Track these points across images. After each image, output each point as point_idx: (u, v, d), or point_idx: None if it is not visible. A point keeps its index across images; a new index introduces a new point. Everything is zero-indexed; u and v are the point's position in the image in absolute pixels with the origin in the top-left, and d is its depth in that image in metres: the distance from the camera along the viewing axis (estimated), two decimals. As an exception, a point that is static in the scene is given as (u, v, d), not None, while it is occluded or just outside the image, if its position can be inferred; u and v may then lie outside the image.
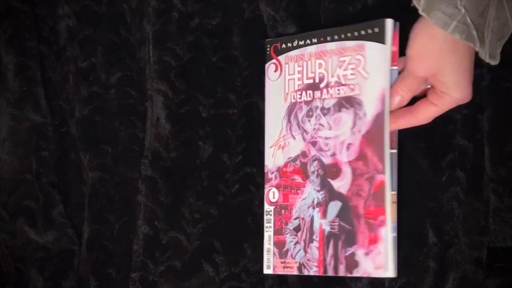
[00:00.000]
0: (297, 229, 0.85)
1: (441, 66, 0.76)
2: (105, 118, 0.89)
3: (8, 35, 0.91)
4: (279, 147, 0.87)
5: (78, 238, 0.90)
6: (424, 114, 0.81)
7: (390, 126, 0.83)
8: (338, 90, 0.84)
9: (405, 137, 0.87)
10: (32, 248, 0.90)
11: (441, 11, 0.73)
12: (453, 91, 0.77)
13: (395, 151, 0.83)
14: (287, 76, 0.87)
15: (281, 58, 0.87)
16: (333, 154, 0.84)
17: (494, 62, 0.77)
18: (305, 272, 0.85)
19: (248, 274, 0.89)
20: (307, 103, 0.86)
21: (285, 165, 0.87)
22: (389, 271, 0.82)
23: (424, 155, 0.86)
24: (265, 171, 0.87)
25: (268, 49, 0.88)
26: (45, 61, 0.88)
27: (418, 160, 0.87)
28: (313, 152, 0.85)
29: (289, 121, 0.87)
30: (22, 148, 0.91)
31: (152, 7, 0.89)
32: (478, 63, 0.88)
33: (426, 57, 0.77)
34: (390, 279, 0.87)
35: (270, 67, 0.88)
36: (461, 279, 0.88)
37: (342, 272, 0.83)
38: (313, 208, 0.85)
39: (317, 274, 0.84)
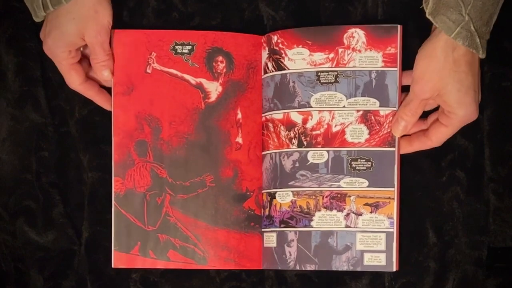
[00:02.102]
0: None
1: (444, 86, 0.78)
2: (105, 118, 0.88)
3: (8, 35, 0.91)
4: None
5: (78, 238, 0.90)
6: (437, 136, 0.82)
7: (406, 149, 0.84)
8: None
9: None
10: (32, 248, 0.90)
11: (446, 16, 0.75)
12: (458, 109, 0.79)
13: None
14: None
15: None
16: None
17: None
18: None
19: (248, 274, 0.89)
20: None
21: None
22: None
23: (424, 155, 0.86)
24: None
25: None
26: (45, 61, 0.88)
27: (418, 160, 0.87)
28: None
29: None
30: (22, 148, 0.90)
31: (152, 7, 0.89)
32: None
33: (429, 77, 0.78)
34: (390, 279, 0.87)
35: None
36: (461, 279, 0.88)
37: None
38: None
39: None
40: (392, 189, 0.84)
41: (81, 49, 0.86)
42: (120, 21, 0.88)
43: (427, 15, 0.77)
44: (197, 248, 0.86)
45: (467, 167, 0.88)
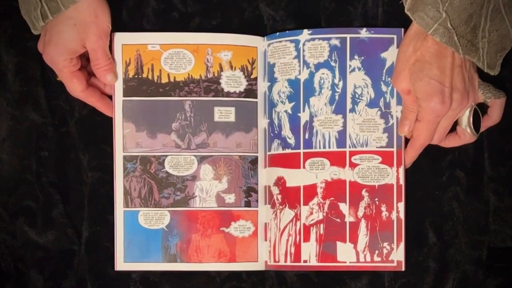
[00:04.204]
0: None
1: (410, 75, 0.79)
2: (105, 118, 0.88)
3: (8, 35, 0.91)
4: None
5: (78, 238, 0.90)
6: (417, 134, 0.83)
7: (407, 161, 0.86)
8: None
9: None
10: (32, 248, 0.90)
11: (424, 12, 0.76)
12: (422, 101, 0.80)
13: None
14: None
15: None
16: None
17: (492, 73, 0.80)
18: None
19: (248, 274, 0.89)
20: None
21: None
22: None
23: (424, 155, 0.86)
24: None
25: None
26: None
27: (418, 160, 0.87)
28: None
29: None
30: (22, 148, 0.90)
31: (152, 7, 0.89)
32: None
33: (399, 68, 0.80)
34: (390, 279, 0.87)
35: None
36: (461, 279, 0.88)
37: None
38: None
39: None
40: None
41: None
42: (119, 21, 0.88)
43: (405, 11, 0.77)
44: None
45: (467, 167, 0.88)
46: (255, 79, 0.88)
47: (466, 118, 0.83)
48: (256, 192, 0.88)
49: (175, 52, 0.87)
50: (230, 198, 0.88)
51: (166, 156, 0.88)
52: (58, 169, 0.90)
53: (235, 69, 0.87)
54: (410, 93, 0.80)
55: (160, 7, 0.89)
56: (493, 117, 0.85)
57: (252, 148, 0.88)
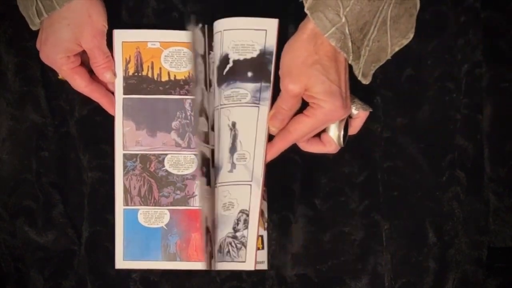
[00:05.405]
0: None
1: (309, 78, 0.77)
2: (105, 118, 0.88)
3: (8, 35, 0.91)
4: None
5: (78, 238, 0.90)
6: (297, 127, 0.80)
7: (270, 152, 0.82)
8: None
9: (405, 137, 0.87)
10: (32, 248, 0.90)
11: (324, 14, 0.75)
12: (323, 102, 0.78)
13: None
14: None
15: None
16: None
17: (365, 82, 0.79)
18: None
19: (248, 274, 0.89)
20: None
21: None
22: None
23: (424, 155, 0.86)
24: None
25: None
26: (45, 61, 0.88)
27: (418, 160, 0.87)
28: None
29: None
30: (22, 148, 0.90)
31: (152, 7, 0.89)
32: (477, 63, 0.88)
33: (295, 72, 0.77)
34: (390, 279, 0.87)
35: None
36: (461, 279, 0.88)
37: None
38: None
39: None
40: None
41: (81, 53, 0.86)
42: (119, 21, 0.88)
43: (305, 10, 0.76)
44: None
45: (467, 167, 0.88)
46: None
47: (336, 127, 0.82)
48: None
49: (175, 50, 0.87)
50: None
51: (166, 154, 0.88)
52: (58, 169, 0.91)
53: None
54: (299, 95, 0.78)
55: (160, 7, 0.89)
56: (355, 128, 0.84)
57: None
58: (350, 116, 0.83)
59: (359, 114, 0.83)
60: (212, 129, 0.85)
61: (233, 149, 0.82)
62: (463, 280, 0.88)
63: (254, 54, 0.82)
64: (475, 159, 0.88)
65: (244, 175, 0.82)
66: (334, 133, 0.82)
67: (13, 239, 0.91)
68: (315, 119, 0.79)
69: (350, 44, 0.75)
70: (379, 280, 0.88)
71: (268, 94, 0.82)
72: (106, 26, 0.84)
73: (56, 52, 0.83)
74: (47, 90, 0.90)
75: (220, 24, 0.83)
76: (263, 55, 0.82)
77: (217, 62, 0.83)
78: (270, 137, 0.82)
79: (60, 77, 0.86)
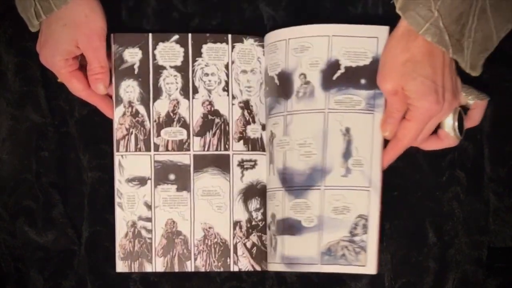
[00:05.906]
0: None
1: (401, 76, 0.77)
2: (105, 118, 0.88)
3: (8, 35, 0.91)
4: None
5: (78, 238, 0.90)
6: (404, 133, 0.81)
7: (385, 160, 0.83)
8: None
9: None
10: (32, 248, 0.90)
11: (416, 12, 0.75)
12: (416, 100, 0.78)
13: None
14: None
15: None
16: None
17: (474, 74, 0.79)
18: None
19: (248, 274, 0.89)
20: None
21: None
22: None
23: (424, 155, 0.86)
24: None
25: None
26: (45, 61, 0.88)
27: (418, 160, 0.87)
28: None
29: None
30: (22, 148, 0.90)
31: (152, 7, 0.89)
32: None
33: (387, 69, 0.78)
34: (390, 279, 0.87)
35: None
36: (461, 279, 0.88)
37: None
38: None
39: None
40: None
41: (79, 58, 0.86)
42: (119, 21, 0.88)
43: (396, 10, 0.76)
44: None
45: (467, 167, 0.88)
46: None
47: (450, 120, 0.82)
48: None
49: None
50: None
51: None
52: (58, 169, 0.91)
53: None
54: (397, 93, 0.79)
55: (160, 7, 0.89)
56: (475, 119, 0.84)
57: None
58: (467, 107, 0.83)
59: (476, 104, 0.83)
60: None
61: (347, 154, 0.82)
62: (463, 280, 0.88)
63: (367, 61, 0.82)
64: (475, 159, 0.88)
65: (361, 180, 0.82)
66: (449, 126, 0.82)
67: (13, 239, 0.91)
68: (415, 121, 0.79)
69: (447, 37, 0.75)
70: (379, 280, 0.88)
71: (382, 101, 0.82)
72: (105, 29, 0.83)
73: (54, 55, 0.83)
74: (47, 90, 0.91)
75: (326, 29, 0.83)
76: (376, 62, 0.82)
77: (322, 66, 0.83)
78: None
79: (59, 80, 0.86)
